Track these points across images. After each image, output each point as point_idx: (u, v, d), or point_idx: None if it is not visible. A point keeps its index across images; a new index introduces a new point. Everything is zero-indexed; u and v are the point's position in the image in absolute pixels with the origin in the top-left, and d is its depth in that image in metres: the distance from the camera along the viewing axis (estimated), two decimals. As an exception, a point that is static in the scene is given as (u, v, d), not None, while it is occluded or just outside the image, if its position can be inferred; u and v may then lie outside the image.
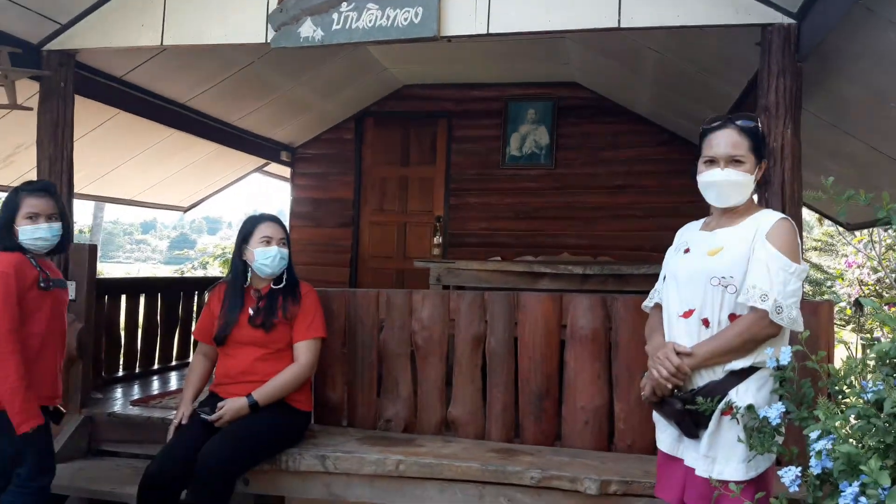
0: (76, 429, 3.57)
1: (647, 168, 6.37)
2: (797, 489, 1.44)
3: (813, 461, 1.39)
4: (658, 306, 2.18)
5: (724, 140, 2.00)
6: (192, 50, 4.23)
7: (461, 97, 6.84)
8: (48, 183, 2.85)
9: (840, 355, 5.97)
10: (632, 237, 6.35)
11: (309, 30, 3.45)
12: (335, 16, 3.42)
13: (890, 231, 7.99)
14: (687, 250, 2.09)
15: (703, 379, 1.95)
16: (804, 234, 4.66)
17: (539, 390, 3.13)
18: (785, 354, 1.70)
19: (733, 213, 2.04)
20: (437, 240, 6.68)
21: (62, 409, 2.75)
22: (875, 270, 8.43)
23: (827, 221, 9.34)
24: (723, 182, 1.99)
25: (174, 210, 7.63)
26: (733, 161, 1.98)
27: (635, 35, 3.90)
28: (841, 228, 8.71)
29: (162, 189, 6.75)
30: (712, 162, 2.01)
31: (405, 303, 3.31)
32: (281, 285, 3.00)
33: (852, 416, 1.41)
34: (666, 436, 2.06)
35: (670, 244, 2.21)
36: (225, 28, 3.61)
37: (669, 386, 1.95)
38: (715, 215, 2.10)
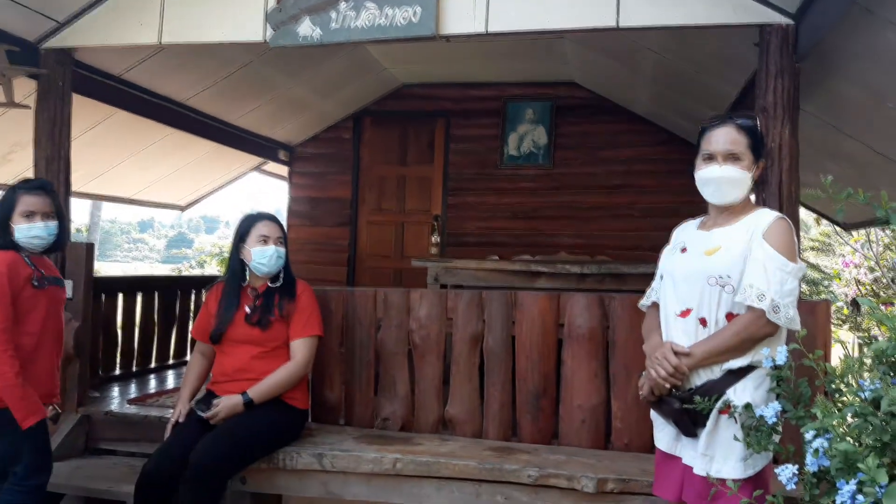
0: (73, 427, 3.57)
1: (645, 168, 6.37)
2: (794, 487, 1.44)
3: (809, 459, 1.40)
4: (655, 305, 2.18)
5: (724, 137, 2.00)
6: (190, 48, 4.22)
7: (459, 97, 6.84)
8: (45, 181, 2.85)
9: (837, 354, 5.97)
10: (629, 237, 6.36)
11: (307, 29, 3.45)
12: (334, 15, 3.42)
13: (887, 231, 8.00)
14: (684, 249, 2.09)
15: (700, 378, 1.95)
16: (801, 233, 4.66)
17: (536, 389, 3.13)
18: (781, 354, 1.70)
19: (730, 213, 2.04)
20: (435, 239, 6.68)
21: (58, 408, 2.74)
22: (872, 270, 8.45)
23: (824, 221, 9.35)
24: (721, 178, 1.99)
25: (172, 209, 7.62)
26: (731, 157, 1.98)
27: (634, 35, 3.90)
28: (838, 228, 8.73)
29: (160, 188, 6.74)
30: (711, 158, 2.01)
31: (403, 302, 3.31)
32: (278, 284, 3.00)
33: (849, 414, 1.42)
34: (664, 434, 2.06)
35: (667, 244, 2.21)
36: (223, 27, 3.60)
37: (668, 386, 1.95)
38: (712, 214, 2.11)
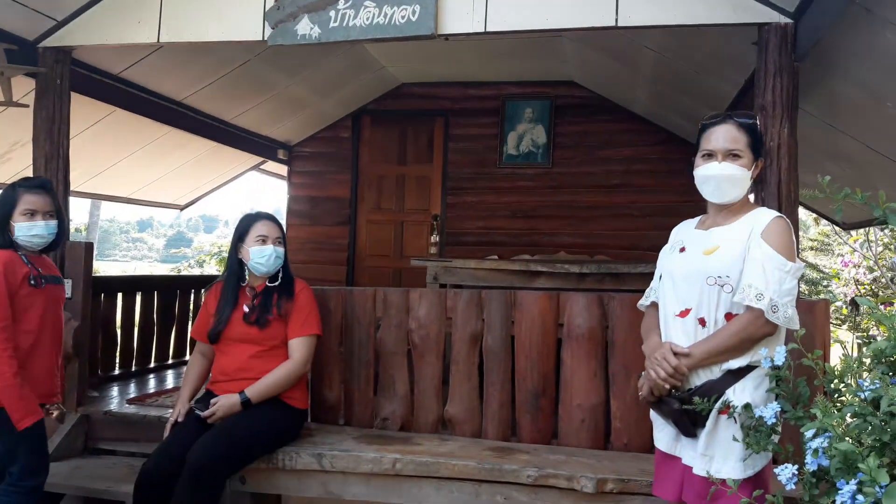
0: (72, 427, 3.57)
1: (644, 167, 6.37)
2: (793, 487, 1.44)
3: (809, 459, 1.40)
4: (654, 305, 2.18)
5: (723, 134, 2.00)
6: (188, 47, 4.22)
7: (458, 96, 6.84)
8: (45, 180, 2.84)
9: (836, 354, 5.98)
10: (628, 236, 6.36)
11: (306, 27, 3.44)
12: (332, 13, 3.42)
13: (886, 230, 8.01)
14: (682, 249, 2.09)
15: (700, 378, 1.95)
16: (800, 233, 4.66)
17: (535, 388, 3.13)
18: (779, 354, 1.70)
19: (729, 212, 2.04)
20: (434, 238, 6.68)
21: (63, 408, 2.73)
22: (871, 270, 8.46)
23: (823, 221, 9.37)
24: (720, 176, 1.99)
25: (171, 208, 7.61)
26: (731, 155, 1.98)
27: (633, 34, 3.91)
28: (837, 228, 8.74)
29: (158, 187, 6.73)
30: (710, 156, 2.01)
31: (402, 301, 3.31)
32: (276, 283, 3.00)
33: (849, 414, 1.42)
34: (663, 434, 2.06)
35: (666, 243, 2.21)
36: (222, 25, 3.60)
37: (667, 386, 1.95)
38: (710, 214, 2.10)
